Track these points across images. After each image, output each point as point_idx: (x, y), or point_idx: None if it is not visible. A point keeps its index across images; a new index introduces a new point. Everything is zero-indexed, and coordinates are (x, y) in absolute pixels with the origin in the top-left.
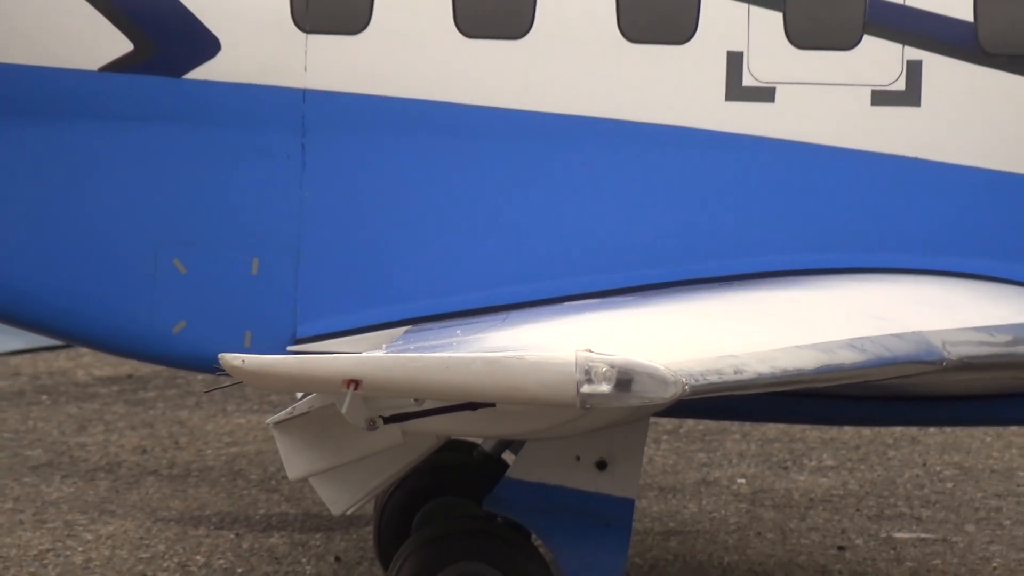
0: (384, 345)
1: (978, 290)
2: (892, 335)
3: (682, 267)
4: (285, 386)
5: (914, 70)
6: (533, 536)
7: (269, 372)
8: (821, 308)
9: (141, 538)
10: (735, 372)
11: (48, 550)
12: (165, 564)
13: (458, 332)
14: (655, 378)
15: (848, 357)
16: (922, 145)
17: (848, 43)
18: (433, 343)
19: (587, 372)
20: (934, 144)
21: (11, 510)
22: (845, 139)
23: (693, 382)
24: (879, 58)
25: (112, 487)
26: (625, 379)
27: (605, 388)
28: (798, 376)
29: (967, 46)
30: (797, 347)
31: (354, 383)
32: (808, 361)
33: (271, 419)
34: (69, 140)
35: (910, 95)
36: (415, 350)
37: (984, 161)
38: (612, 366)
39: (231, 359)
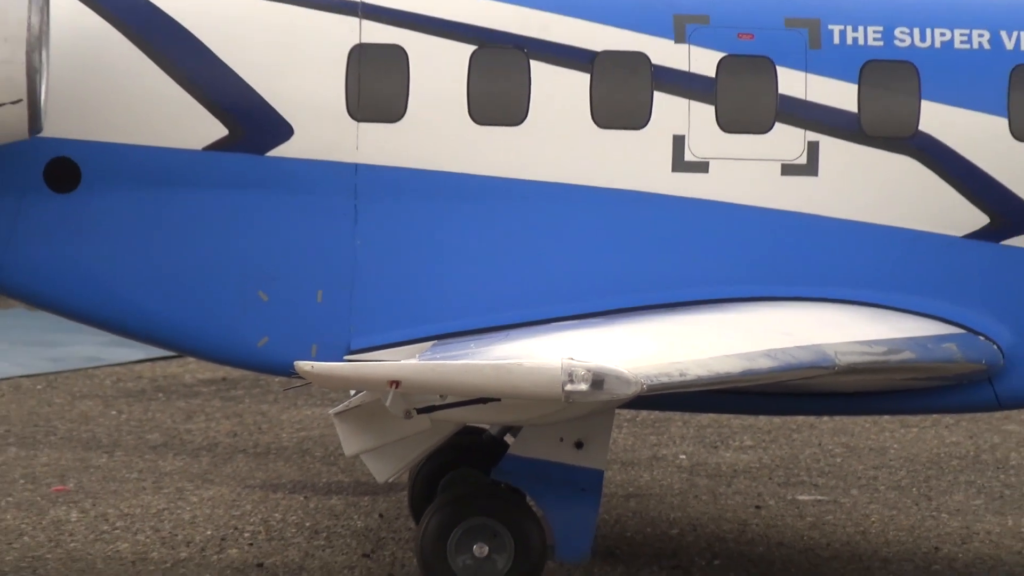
0: (417, 355)
1: (861, 313)
2: (797, 347)
3: (641, 296)
4: (343, 386)
5: (813, 149)
6: (528, 498)
7: (332, 375)
8: (745, 326)
9: (233, 500)
10: (680, 375)
11: (164, 509)
12: (251, 520)
13: (472, 345)
14: (621, 379)
15: (764, 363)
16: (819, 205)
17: (764, 129)
18: (454, 353)
19: (570, 375)
20: (828, 204)
21: (136, 479)
22: (762, 200)
23: (649, 382)
24: (787, 140)
25: (211, 462)
26: (598, 380)
27: (583, 387)
28: (727, 378)
29: (853, 131)
30: (726, 356)
31: (395, 383)
32: (735, 366)
33: (332, 410)
34: (181, 203)
35: (810, 167)
36: (440, 359)
37: (865, 216)
38: (589, 370)
39: (304, 365)
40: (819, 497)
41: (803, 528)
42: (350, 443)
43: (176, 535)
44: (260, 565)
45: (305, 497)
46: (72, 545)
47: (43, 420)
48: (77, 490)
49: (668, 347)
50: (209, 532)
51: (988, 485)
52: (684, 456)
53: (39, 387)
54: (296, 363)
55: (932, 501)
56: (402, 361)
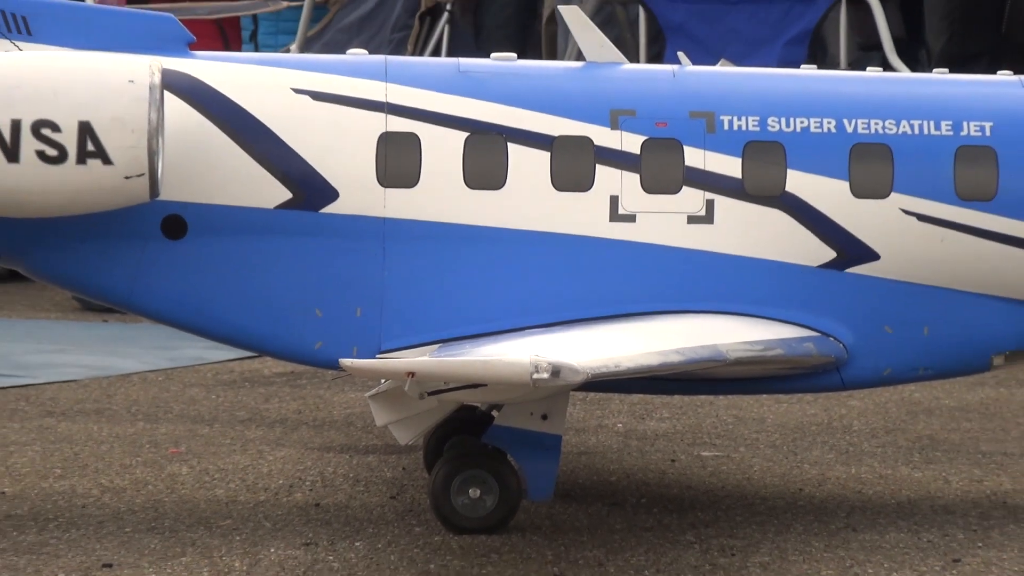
0: (428, 354)
1: (746, 322)
2: (699, 346)
3: (589, 310)
4: (374, 376)
5: (710, 204)
6: (508, 456)
7: (366, 369)
8: (662, 331)
9: (298, 458)
10: (615, 366)
11: (248, 465)
12: (311, 472)
13: (467, 346)
14: (573, 370)
15: (675, 358)
16: (715, 244)
17: (675, 190)
18: (454, 352)
19: (536, 367)
20: (721, 244)
21: (229, 444)
22: (674, 242)
23: (592, 372)
24: (691, 198)
25: (283, 432)
26: (556, 371)
27: (546, 376)
28: (648, 369)
29: (739, 191)
30: (648, 352)
31: (411, 374)
32: (654, 360)
33: (367, 393)
34: (260, 247)
35: (708, 218)
36: (444, 356)
37: (748, 253)
38: (549, 364)
39: (347, 362)
40: (717, 453)
41: (705, 476)
42: (380, 417)
43: (257, 483)
44: (317, 505)
45: (349, 456)
46: (183, 491)
47: (162, 402)
48: (187, 452)
49: (606, 347)
50: (281, 481)
51: (837, 444)
52: (620, 425)
53: (160, 379)
54: (341, 360)
55: (797, 455)
56: (416, 358)
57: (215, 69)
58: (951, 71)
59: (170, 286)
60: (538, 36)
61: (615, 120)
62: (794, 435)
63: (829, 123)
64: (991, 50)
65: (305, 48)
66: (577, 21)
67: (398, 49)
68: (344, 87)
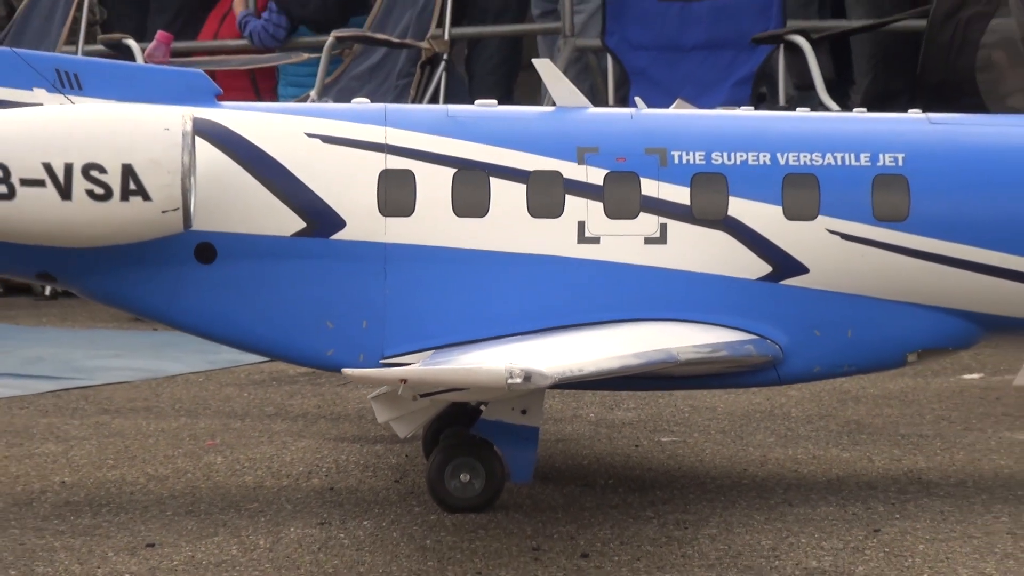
0: (420, 362)
1: (695, 328)
2: (654, 350)
3: (561, 319)
4: (373, 383)
5: (664, 227)
6: (494, 445)
7: (365, 377)
8: (623, 338)
9: (316, 448)
10: (579, 371)
11: (273, 455)
12: (327, 460)
13: (455, 353)
14: (542, 376)
15: (633, 361)
16: (668, 262)
17: (633, 216)
18: (441, 360)
19: (510, 373)
20: (674, 261)
21: (257, 436)
22: (633, 260)
23: (559, 376)
24: (648, 223)
25: (304, 424)
26: (528, 376)
27: (518, 381)
28: (609, 372)
29: (688, 216)
30: (609, 357)
31: (404, 381)
32: (614, 364)
33: (370, 395)
34: (279, 269)
35: (662, 239)
36: (432, 365)
37: (697, 268)
38: (522, 371)
39: (349, 372)
40: (674, 439)
41: (664, 459)
42: (381, 415)
43: (280, 471)
44: (331, 488)
45: (360, 445)
46: (217, 479)
47: (202, 400)
48: (221, 443)
49: (572, 353)
50: (301, 468)
51: (778, 429)
52: (592, 415)
53: (200, 379)
54: (344, 370)
55: (743, 439)
56: (408, 367)
57: (239, 117)
58: (874, 107)
59: (203, 304)
60: (523, 81)
61: (581, 156)
62: (741, 421)
63: (764, 156)
64: (909, 89)
65: (323, 93)
66: (549, 72)
67: (403, 93)
68: (350, 131)
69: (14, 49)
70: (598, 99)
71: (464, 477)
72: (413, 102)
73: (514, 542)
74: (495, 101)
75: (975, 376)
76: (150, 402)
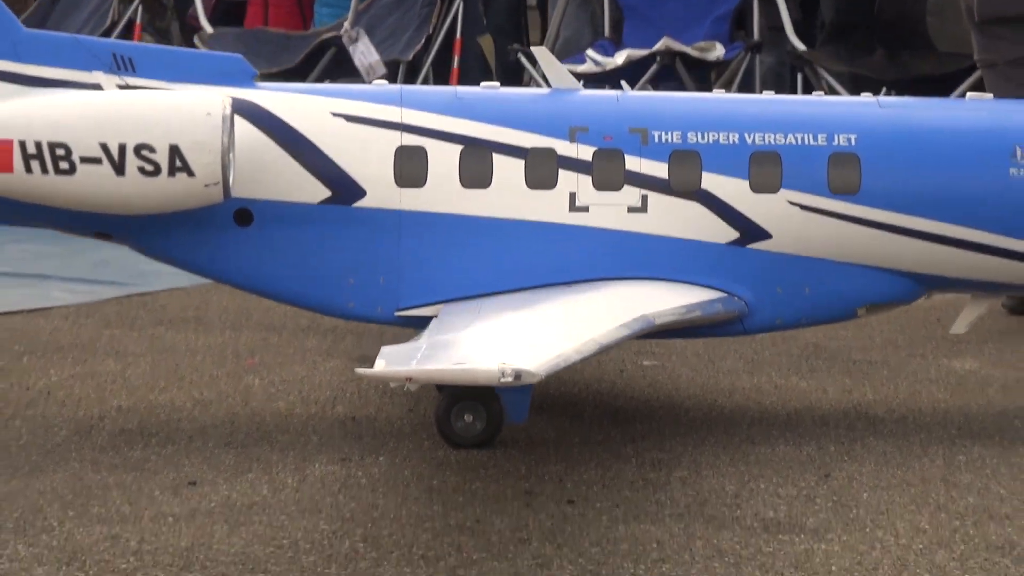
0: (417, 353)
1: (672, 287)
2: (633, 319)
3: (556, 276)
4: (383, 381)
5: (645, 198)
6: (494, 390)
7: (377, 375)
8: (605, 303)
9: (342, 370)
10: (565, 360)
11: (304, 377)
12: (351, 386)
13: (458, 326)
14: (530, 374)
15: (614, 337)
16: (650, 228)
17: (618, 188)
18: (440, 344)
19: (502, 373)
20: (654, 228)
21: (291, 355)
22: (618, 226)
23: (546, 372)
24: (631, 194)
25: (332, 341)
26: (517, 375)
27: (510, 380)
28: (591, 354)
29: (666, 188)
30: (591, 340)
31: (409, 379)
32: (594, 347)
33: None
34: (308, 233)
35: (644, 209)
36: (432, 362)
37: (674, 234)
38: (512, 370)
39: (360, 371)
40: (655, 363)
41: (644, 386)
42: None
43: (309, 396)
44: (353, 419)
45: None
46: (254, 404)
47: (245, 311)
48: (259, 362)
49: (557, 340)
50: (328, 393)
51: (745, 353)
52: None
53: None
54: (356, 370)
55: (714, 364)
56: (412, 367)
57: (272, 97)
58: (835, 40)
59: (241, 262)
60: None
61: (573, 135)
62: (713, 344)
63: (734, 136)
64: (867, 23)
65: (355, 22)
66: (545, 59)
67: (425, 21)
68: (370, 111)
69: (76, 36)
70: (597, 30)
71: (468, 418)
72: (433, 33)
73: (509, 484)
74: (498, 84)
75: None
76: (200, 311)
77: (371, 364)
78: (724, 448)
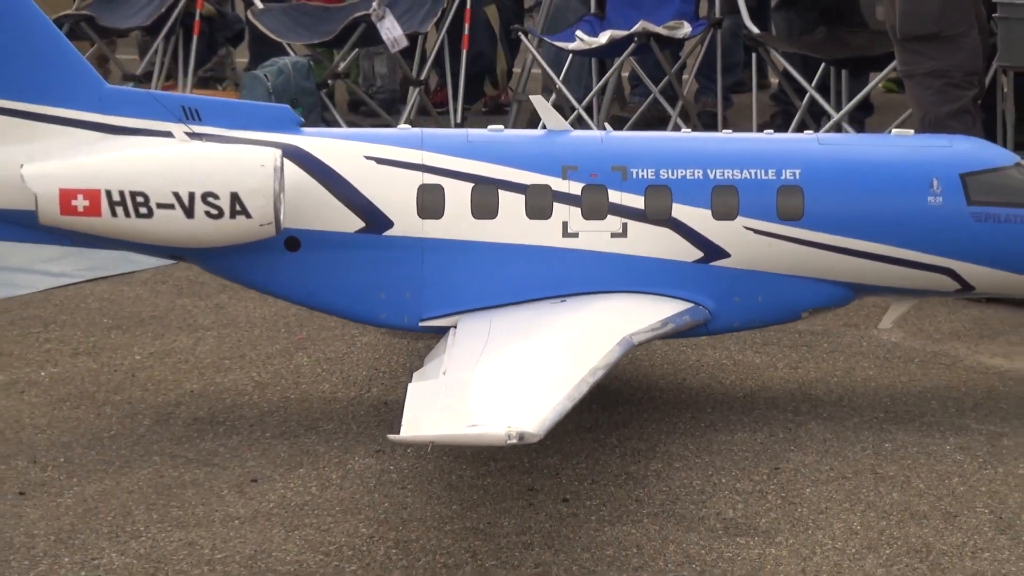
0: (436, 415)
1: (647, 300)
2: (615, 345)
3: (551, 290)
4: (411, 445)
5: (625, 226)
6: None
7: (406, 441)
8: (591, 327)
9: (376, 347)
10: (561, 413)
11: (345, 354)
12: (383, 364)
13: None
14: (532, 435)
15: (599, 374)
16: (628, 250)
17: (603, 217)
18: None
19: (508, 436)
20: (632, 250)
21: (331, 329)
22: (602, 248)
23: (543, 432)
24: (614, 223)
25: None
26: (521, 436)
27: (515, 440)
28: (583, 394)
29: (643, 217)
30: (580, 382)
31: (431, 443)
32: (585, 388)
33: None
34: (345, 256)
35: (624, 235)
36: (445, 427)
37: (647, 253)
38: (517, 433)
39: (393, 438)
40: None
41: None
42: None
43: (350, 376)
44: (385, 403)
45: (407, 341)
46: (303, 387)
47: None
48: (307, 337)
49: (554, 387)
50: (364, 372)
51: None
52: None
53: None
54: (388, 437)
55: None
56: (433, 433)
57: (314, 142)
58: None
59: (290, 281)
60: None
61: (565, 172)
62: (687, 344)
63: (699, 172)
64: (810, 4)
65: (381, 3)
66: (542, 105)
67: (437, 2)
68: (396, 154)
69: (151, 91)
70: (586, 2)
71: None
72: (447, 7)
73: (514, 479)
74: (502, 127)
75: None
76: None
77: (399, 418)
78: (691, 436)
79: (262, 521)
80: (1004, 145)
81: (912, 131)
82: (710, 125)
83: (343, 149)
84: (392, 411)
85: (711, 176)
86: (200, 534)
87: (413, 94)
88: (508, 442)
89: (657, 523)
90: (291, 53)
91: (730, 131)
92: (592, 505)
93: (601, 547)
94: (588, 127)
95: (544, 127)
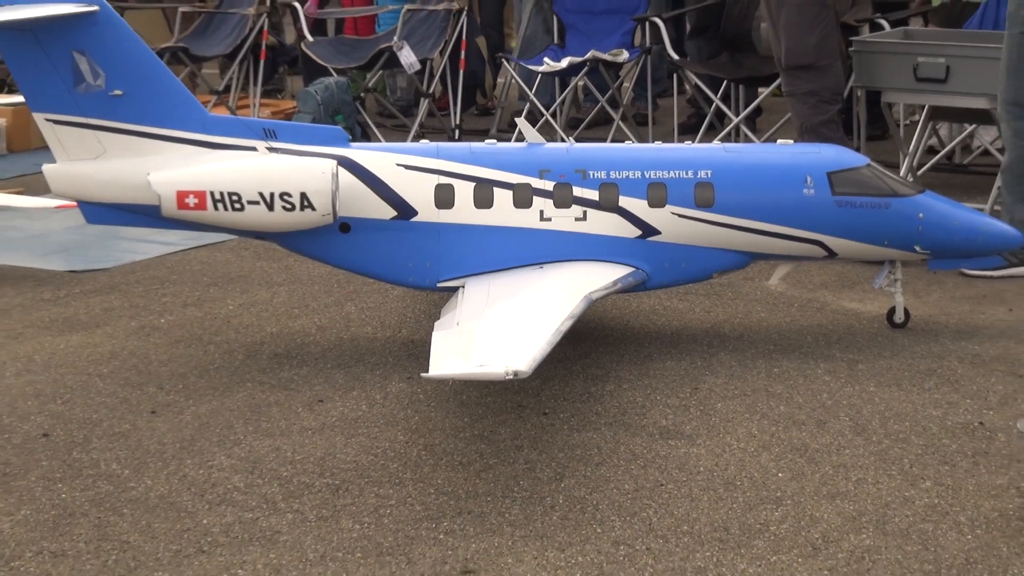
0: (453, 356)
1: (604, 267)
2: (580, 299)
3: (534, 259)
4: (437, 380)
5: (585, 213)
6: None
7: (433, 377)
8: (560, 286)
9: (406, 297)
10: (544, 354)
11: (382, 304)
12: (410, 311)
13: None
14: (523, 372)
15: (569, 323)
16: (588, 230)
17: (569, 206)
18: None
19: (505, 372)
20: (591, 229)
21: (371, 286)
22: (571, 229)
23: (531, 370)
24: (577, 211)
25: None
26: (515, 372)
27: (511, 376)
28: (556, 339)
29: (599, 207)
30: (556, 330)
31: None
32: (559, 335)
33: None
34: (384, 236)
35: (584, 219)
36: (458, 364)
37: (605, 232)
38: (513, 370)
39: (425, 376)
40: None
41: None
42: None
43: (385, 321)
44: (412, 340)
45: (426, 293)
46: (352, 329)
47: None
48: (354, 291)
49: (537, 333)
50: (396, 318)
51: (695, 294)
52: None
53: None
54: (422, 375)
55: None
56: (450, 372)
57: (360, 154)
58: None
59: (344, 254)
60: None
61: (541, 174)
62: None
63: (637, 172)
64: (715, 34)
65: (400, 34)
66: (524, 126)
67: (442, 32)
68: (419, 162)
69: (241, 118)
70: (549, 31)
71: None
72: (449, 38)
73: (509, 398)
74: (495, 140)
75: None
76: None
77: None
78: (634, 364)
79: (327, 431)
80: (859, 139)
81: (792, 141)
82: (642, 123)
83: (380, 159)
84: (418, 347)
85: (647, 176)
86: (283, 441)
87: (423, 102)
88: (506, 378)
89: (611, 430)
90: (333, 74)
91: (660, 142)
92: (564, 416)
93: (572, 448)
94: (554, 129)
95: (526, 141)
